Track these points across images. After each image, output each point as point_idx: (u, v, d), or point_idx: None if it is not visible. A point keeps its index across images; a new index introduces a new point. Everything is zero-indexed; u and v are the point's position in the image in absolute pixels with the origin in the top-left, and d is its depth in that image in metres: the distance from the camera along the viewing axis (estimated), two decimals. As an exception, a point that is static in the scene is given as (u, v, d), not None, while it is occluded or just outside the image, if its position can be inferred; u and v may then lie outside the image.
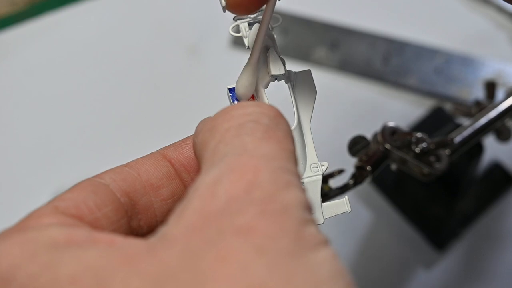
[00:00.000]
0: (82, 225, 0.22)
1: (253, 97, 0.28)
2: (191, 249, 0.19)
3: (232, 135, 0.22)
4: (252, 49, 0.27)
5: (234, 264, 0.18)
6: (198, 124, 0.25)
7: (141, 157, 0.27)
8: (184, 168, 0.27)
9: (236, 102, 0.28)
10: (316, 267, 0.19)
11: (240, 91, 0.28)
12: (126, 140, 0.63)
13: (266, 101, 0.28)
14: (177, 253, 0.19)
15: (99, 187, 0.24)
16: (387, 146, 0.42)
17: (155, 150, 0.28)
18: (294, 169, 0.22)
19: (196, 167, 0.27)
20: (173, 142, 0.28)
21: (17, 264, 0.20)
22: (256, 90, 0.29)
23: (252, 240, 0.19)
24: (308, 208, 0.21)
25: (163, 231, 0.20)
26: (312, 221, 0.21)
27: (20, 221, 0.22)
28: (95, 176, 0.25)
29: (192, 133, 0.26)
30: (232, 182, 0.20)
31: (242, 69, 0.28)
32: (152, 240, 0.20)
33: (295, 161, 0.23)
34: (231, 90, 0.29)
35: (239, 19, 0.29)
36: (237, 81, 0.28)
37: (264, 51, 0.28)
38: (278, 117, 0.23)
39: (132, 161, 0.26)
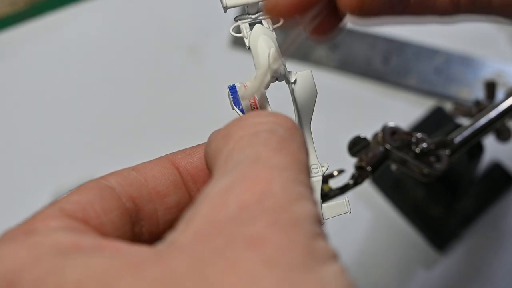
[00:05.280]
0: (88, 230, 0.22)
1: (256, 104, 0.28)
2: (199, 257, 0.19)
3: (246, 143, 0.22)
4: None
5: (242, 275, 0.18)
6: (211, 134, 0.24)
7: (148, 162, 0.26)
8: (191, 178, 0.26)
9: (240, 105, 0.28)
10: (325, 281, 0.19)
11: (244, 93, 0.27)
12: (125, 139, 0.63)
13: (268, 104, 0.28)
14: (185, 261, 0.19)
15: (105, 191, 0.24)
16: (387, 146, 0.42)
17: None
18: (306, 182, 0.22)
19: (204, 178, 0.26)
20: (178, 146, 0.27)
21: (22, 267, 0.20)
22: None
23: (262, 251, 0.19)
24: (319, 221, 0.21)
25: (170, 238, 0.20)
26: (322, 235, 0.20)
27: (25, 221, 0.22)
28: (101, 178, 0.24)
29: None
30: (244, 190, 0.20)
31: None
32: (160, 247, 0.20)
33: (308, 173, 0.22)
34: (232, 90, 0.28)
35: (240, 20, 0.29)
36: (248, 85, 0.27)
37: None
38: (294, 128, 0.23)
39: (140, 164, 0.26)
